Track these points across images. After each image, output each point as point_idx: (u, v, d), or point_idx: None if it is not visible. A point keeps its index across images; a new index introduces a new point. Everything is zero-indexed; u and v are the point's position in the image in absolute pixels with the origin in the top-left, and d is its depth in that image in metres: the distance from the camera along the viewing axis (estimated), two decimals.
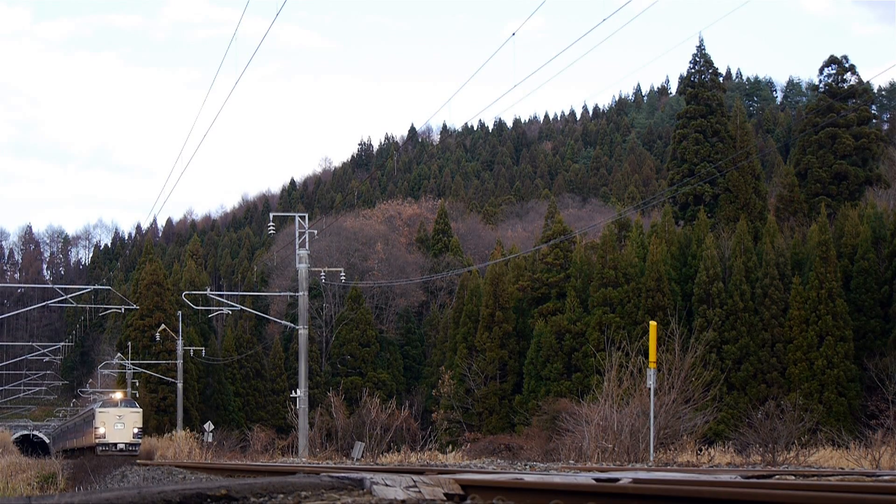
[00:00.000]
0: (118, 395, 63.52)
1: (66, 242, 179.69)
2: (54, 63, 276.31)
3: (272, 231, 58.17)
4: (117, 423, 56.79)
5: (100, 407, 59.29)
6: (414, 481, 8.55)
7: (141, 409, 59.77)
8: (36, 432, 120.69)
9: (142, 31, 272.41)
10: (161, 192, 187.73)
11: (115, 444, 56.48)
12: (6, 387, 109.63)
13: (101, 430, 56.69)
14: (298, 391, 45.62)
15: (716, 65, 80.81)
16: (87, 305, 78.24)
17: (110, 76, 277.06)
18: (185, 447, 53.93)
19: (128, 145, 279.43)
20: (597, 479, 8.54)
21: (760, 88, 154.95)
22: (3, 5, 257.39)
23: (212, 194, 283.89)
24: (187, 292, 68.85)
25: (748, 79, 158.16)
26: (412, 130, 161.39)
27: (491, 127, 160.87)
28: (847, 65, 75.22)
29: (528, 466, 15.16)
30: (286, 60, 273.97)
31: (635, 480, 8.05)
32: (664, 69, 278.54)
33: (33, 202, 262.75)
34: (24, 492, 31.30)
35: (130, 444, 57.06)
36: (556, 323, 65.27)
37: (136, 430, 57.42)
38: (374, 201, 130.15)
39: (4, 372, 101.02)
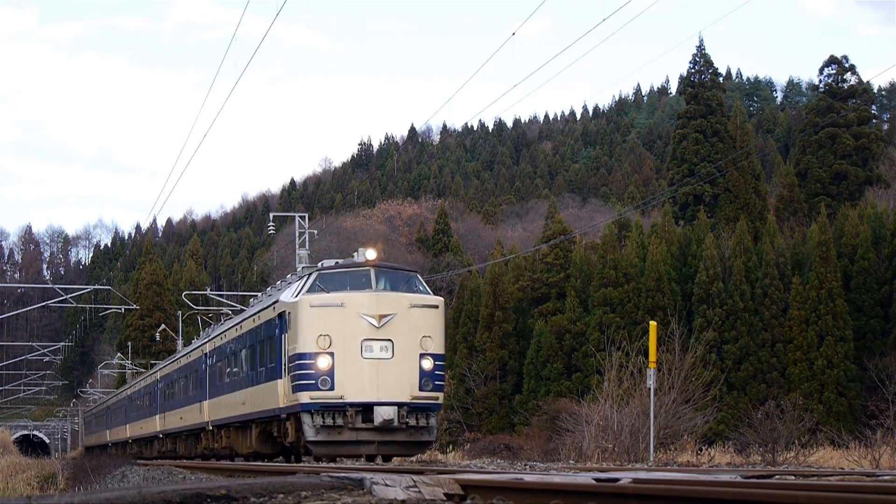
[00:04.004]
0: (370, 252, 23.30)
1: (66, 242, 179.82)
2: (60, 64, 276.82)
3: (272, 231, 58.35)
4: (370, 338, 21.57)
5: (309, 290, 22.29)
6: (414, 481, 8.55)
7: (440, 301, 23.13)
8: (36, 432, 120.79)
9: (148, 33, 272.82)
10: (161, 192, 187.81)
11: (371, 410, 21.19)
12: (6, 387, 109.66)
13: (324, 364, 21.27)
14: None
15: (716, 65, 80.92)
16: (87, 305, 78.23)
17: (117, 77, 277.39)
18: None
19: (132, 146, 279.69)
20: (597, 479, 8.54)
21: (760, 88, 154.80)
22: (10, 7, 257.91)
23: (212, 194, 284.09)
24: (187, 292, 68.92)
25: (748, 79, 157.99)
26: (412, 130, 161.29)
27: (491, 127, 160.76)
28: (847, 65, 75.32)
29: (528, 466, 15.17)
30: (291, 61, 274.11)
31: (635, 480, 8.05)
32: (664, 69, 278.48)
33: (35, 202, 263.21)
34: (24, 492, 31.27)
35: (415, 407, 21.62)
36: (556, 323, 65.25)
37: (429, 365, 21.90)
38: (374, 201, 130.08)
39: (4, 372, 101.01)
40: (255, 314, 26.40)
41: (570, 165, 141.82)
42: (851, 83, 75.43)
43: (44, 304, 69.92)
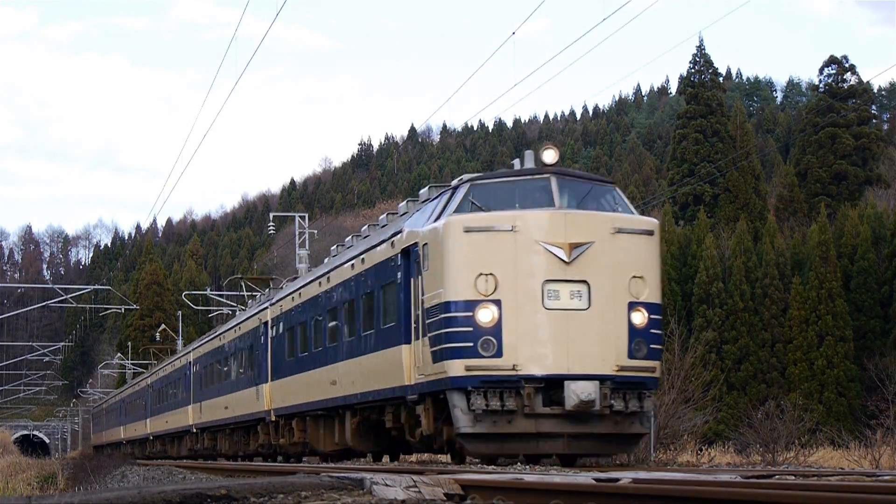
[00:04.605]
0: (548, 154, 16.93)
1: (66, 242, 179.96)
2: (60, 64, 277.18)
3: (272, 231, 58.26)
4: (555, 279, 14.29)
5: (458, 209, 14.85)
6: (414, 481, 8.55)
7: (655, 224, 15.60)
8: (36, 432, 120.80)
9: (149, 33, 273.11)
10: (161, 192, 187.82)
11: (559, 387, 14.05)
12: (6, 387, 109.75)
13: (487, 317, 14.03)
14: None
15: (716, 65, 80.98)
16: (87, 305, 78.28)
17: (118, 77, 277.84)
18: None
19: (132, 146, 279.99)
20: (597, 479, 8.54)
21: (760, 88, 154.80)
22: (10, 7, 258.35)
23: (212, 194, 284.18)
24: (187, 292, 68.90)
25: (748, 79, 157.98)
26: (412, 130, 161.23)
27: (491, 127, 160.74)
28: (847, 65, 75.35)
29: (528, 466, 15.15)
30: (291, 61, 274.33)
31: (635, 480, 8.06)
32: (664, 69, 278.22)
33: (37, 202, 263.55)
34: (24, 492, 31.27)
35: (623, 382, 14.46)
36: None
37: (641, 320, 14.58)
38: (375, 201, 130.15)
39: (4, 372, 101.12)
40: (355, 258, 18.58)
41: (571, 165, 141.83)
42: (851, 83, 75.46)
43: (44, 304, 69.90)
